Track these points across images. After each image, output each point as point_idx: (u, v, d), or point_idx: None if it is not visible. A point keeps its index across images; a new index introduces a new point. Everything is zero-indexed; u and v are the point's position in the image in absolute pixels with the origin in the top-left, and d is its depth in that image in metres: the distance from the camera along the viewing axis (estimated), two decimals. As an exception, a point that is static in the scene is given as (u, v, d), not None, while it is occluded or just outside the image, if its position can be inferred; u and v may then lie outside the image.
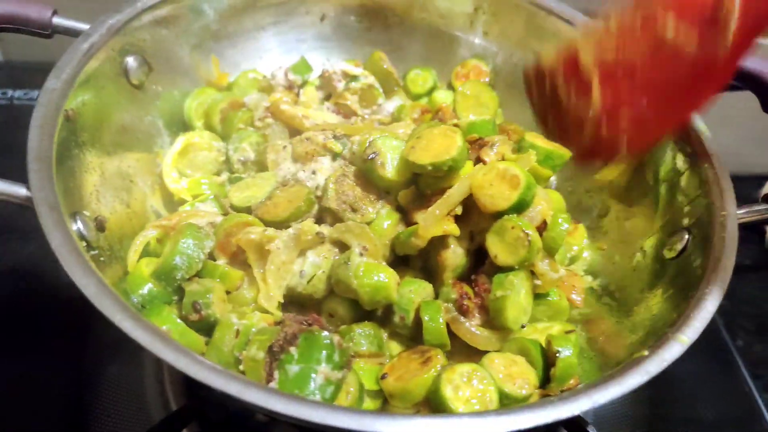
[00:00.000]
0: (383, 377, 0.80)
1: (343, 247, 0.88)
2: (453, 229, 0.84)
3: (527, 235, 0.80)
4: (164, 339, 0.62)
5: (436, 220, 0.83)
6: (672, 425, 1.08)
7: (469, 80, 1.18)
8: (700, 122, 0.96)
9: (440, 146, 0.84)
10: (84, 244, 0.75)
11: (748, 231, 1.41)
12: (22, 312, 1.08)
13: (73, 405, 0.98)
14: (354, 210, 0.89)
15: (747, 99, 0.98)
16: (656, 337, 0.74)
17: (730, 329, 1.25)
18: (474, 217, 0.87)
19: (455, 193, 0.84)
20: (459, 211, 0.85)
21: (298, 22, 1.22)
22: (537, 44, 1.16)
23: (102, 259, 0.80)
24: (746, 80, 1.02)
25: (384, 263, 0.85)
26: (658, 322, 0.80)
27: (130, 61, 0.98)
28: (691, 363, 1.13)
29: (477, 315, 0.85)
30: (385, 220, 0.89)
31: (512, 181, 0.82)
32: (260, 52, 1.20)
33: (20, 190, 0.72)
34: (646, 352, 0.70)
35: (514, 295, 0.81)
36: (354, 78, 1.13)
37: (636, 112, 0.80)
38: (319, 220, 0.92)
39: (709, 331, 1.14)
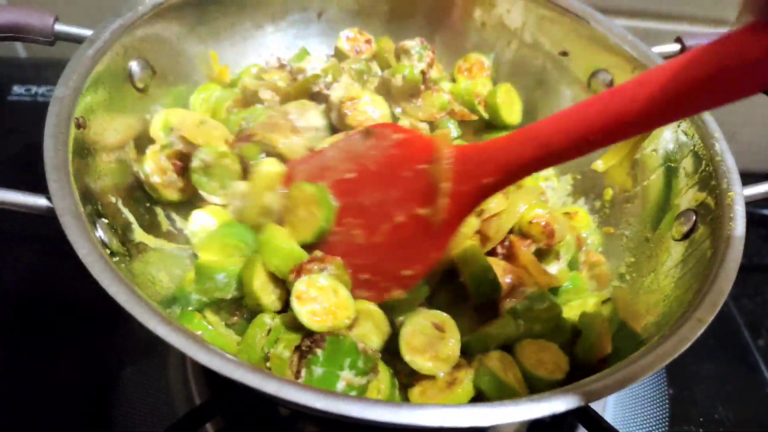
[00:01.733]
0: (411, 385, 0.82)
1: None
2: None
3: None
4: (198, 341, 0.63)
5: None
6: (692, 425, 1.09)
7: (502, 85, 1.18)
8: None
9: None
10: (107, 251, 0.75)
11: None
12: (47, 312, 1.10)
13: (98, 400, 1.00)
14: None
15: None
16: (672, 319, 0.76)
17: (753, 329, 1.26)
18: None
19: None
20: None
21: (296, 19, 1.22)
22: (534, 34, 1.18)
23: (123, 265, 0.80)
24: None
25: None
26: (673, 303, 0.82)
27: (134, 65, 0.98)
28: (711, 363, 1.18)
29: None
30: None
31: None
32: (260, 50, 1.20)
33: (41, 201, 0.73)
34: (664, 335, 0.71)
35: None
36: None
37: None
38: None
39: (730, 331, 1.18)
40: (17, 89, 1.48)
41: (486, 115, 1.15)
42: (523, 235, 0.96)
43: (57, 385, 1.01)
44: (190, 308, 0.84)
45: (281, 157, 0.97)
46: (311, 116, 0.96)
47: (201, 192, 0.97)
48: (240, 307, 0.86)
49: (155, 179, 0.96)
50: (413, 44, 1.14)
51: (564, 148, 0.66)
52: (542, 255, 0.98)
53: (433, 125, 1.10)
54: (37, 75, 1.50)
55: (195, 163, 0.96)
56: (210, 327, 0.80)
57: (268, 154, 0.97)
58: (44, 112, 0.81)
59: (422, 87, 1.08)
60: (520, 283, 0.88)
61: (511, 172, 0.72)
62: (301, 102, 1.00)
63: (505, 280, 0.88)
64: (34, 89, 1.48)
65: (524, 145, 0.70)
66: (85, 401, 1.00)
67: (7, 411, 0.98)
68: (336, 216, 0.86)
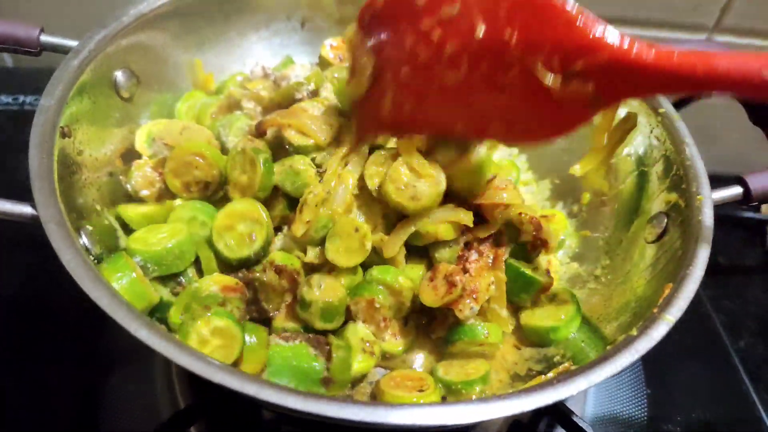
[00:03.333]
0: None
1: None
2: None
3: None
4: (178, 345, 0.64)
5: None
6: (669, 425, 1.11)
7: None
8: (670, 108, 1.00)
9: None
10: (91, 257, 0.77)
11: (751, 233, 1.46)
12: (34, 317, 1.11)
13: (85, 403, 1.01)
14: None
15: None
16: (643, 318, 0.78)
17: (732, 330, 1.28)
18: None
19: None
20: None
21: (279, 28, 1.24)
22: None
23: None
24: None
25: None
26: (644, 304, 0.84)
27: (119, 75, 1.00)
28: (689, 363, 1.19)
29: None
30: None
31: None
32: (244, 58, 1.22)
33: (26, 209, 0.74)
34: (635, 332, 0.74)
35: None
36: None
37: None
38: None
39: (708, 332, 1.19)
40: (4, 98, 1.49)
41: None
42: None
43: (43, 389, 1.02)
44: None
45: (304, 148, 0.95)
46: (329, 114, 0.97)
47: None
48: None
49: (144, 193, 0.97)
50: None
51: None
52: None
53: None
54: (24, 84, 1.51)
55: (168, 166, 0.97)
56: (134, 275, 0.80)
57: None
58: (31, 121, 0.82)
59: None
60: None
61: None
62: (319, 101, 1.01)
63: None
64: (21, 98, 1.49)
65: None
66: (71, 405, 1.01)
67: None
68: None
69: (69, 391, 1.02)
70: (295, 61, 1.20)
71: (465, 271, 0.88)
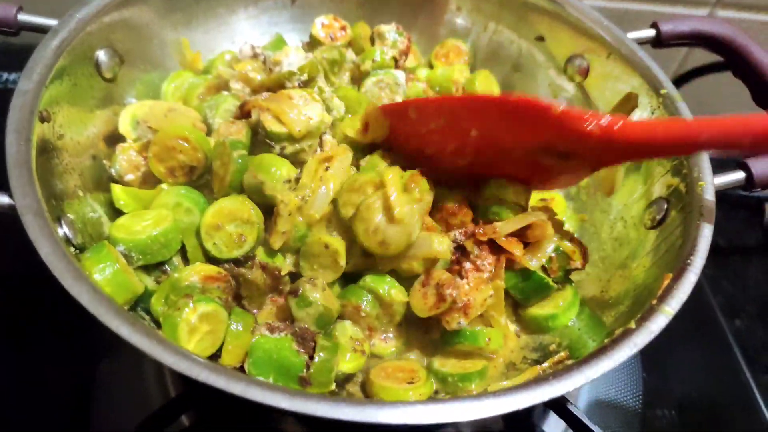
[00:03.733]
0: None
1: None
2: None
3: None
4: (162, 342, 0.62)
5: None
6: (665, 409, 1.10)
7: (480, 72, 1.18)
8: (672, 88, 0.97)
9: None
10: (71, 248, 0.75)
11: (751, 213, 1.44)
12: (22, 307, 1.09)
13: (75, 393, 1.00)
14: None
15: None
16: (642, 308, 0.76)
17: (730, 311, 1.26)
18: None
19: None
20: None
21: (269, 5, 1.20)
22: (510, 19, 1.17)
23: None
24: (715, 47, 1.04)
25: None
26: (643, 292, 0.82)
27: (101, 54, 0.96)
28: (685, 346, 1.18)
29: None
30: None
31: None
32: (234, 36, 1.18)
33: (2, 199, 0.71)
34: (633, 325, 0.72)
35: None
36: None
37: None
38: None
39: (705, 314, 1.17)
40: (-13, 76, 1.45)
41: None
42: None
43: (33, 378, 1.01)
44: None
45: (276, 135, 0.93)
46: (312, 108, 0.93)
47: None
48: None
49: (129, 177, 0.94)
50: (389, 28, 1.12)
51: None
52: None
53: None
54: (7, 62, 1.46)
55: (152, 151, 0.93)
56: (117, 266, 0.77)
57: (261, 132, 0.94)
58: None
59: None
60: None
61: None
62: (308, 92, 0.97)
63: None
64: (5, 76, 1.45)
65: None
66: (61, 395, 1.00)
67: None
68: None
69: (58, 382, 1.01)
70: (285, 41, 1.17)
71: (461, 276, 0.85)
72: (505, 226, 0.88)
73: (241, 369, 0.77)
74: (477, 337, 0.84)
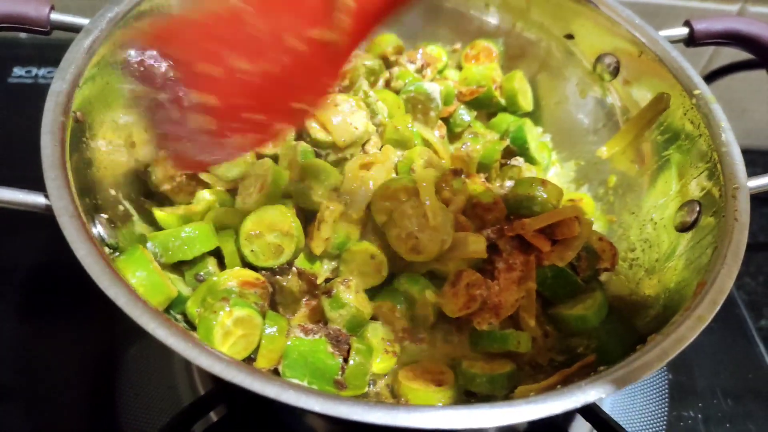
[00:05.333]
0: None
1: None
2: None
3: None
4: (197, 345, 0.63)
5: None
6: (690, 411, 1.10)
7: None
8: (706, 89, 0.96)
9: None
10: (106, 248, 0.76)
11: None
12: (53, 292, 1.11)
13: (104, 387, 1.01)
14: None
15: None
16: (674, 313, 0.76)
17: (754, 309, 1.25)
18: None
19: None
20: None
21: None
22: (539, 15, 1.15)
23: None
24: (750, 46, 1.02)
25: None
26: (674, 297, 0.81)
27: (132, 53, 0.97)
28: (711, 346, 1.17)
29: None
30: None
31: None
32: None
33: (39, 199, 0.73)
34: (665, 332, 0.71)
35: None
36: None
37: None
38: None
39: (730, 311, 1.16)
40: (18, 71, 1.47)
41: (503, 101, 1.14)
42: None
43: (62, 371, 1.02)
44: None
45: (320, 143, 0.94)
46: (357, 116, 0.94)
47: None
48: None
49: (165, 187, 0.95)
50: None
51: None
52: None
53: (449, 120, 1.11)
54: (37, 56, 1.48)
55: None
56: (152, 267, 0.78)
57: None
58: (45, 94, 0.80)
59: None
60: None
61: None
62: (355, 99, 0.98)
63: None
64: (34, 71, 1.46)
65: None
66: (90, 387, 1.01)
67: (12, 393, 1.00)
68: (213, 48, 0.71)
69: (87, 372, 1.03)
70: None
71: (492, 276, 0.84)
72: (534, 222, 0.88)
73: (275, 371, 0.78)
74: (507, 339, 0.84)
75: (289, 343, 0.78)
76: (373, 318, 0.88)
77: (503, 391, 0.83)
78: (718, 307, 0.72)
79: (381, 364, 0.84)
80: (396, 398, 0.84)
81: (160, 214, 0.91)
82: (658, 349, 0.68)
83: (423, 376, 0.84)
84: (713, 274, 0.76)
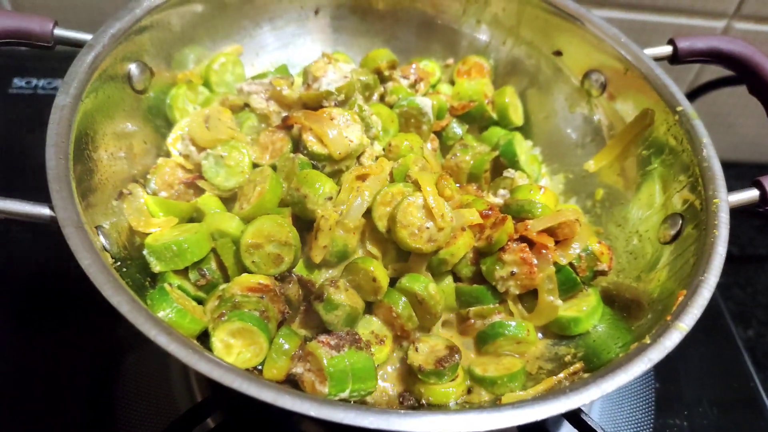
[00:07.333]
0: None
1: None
2: None
3: None
4: (197, 351, 0.65)
5: None
6: (676, 419, 1.12)
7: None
8: (688, 106, 0.99)
9: None
10: (109, 257, 0.78)
11: (763, 221, 1.45)
12: (51, 299, 1.13)
13: (102, 394, 1.03)
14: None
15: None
16: (656, 321, 0.79)
17: (742, 319, 1.28)
18: None
19: None
20: None
21: (293, 17, 1.23)
22: (528, 33, 1.19)
23: (124, 269, 0.83)
24: (731, 64, 1.06)
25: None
26: (657, 306, 0.84)
27: (133, 68, 0.99)
28: (697, 356, 1.20)
29: None
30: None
31: None
32: (257, 49, 1.21)
33: (44, 211, 0.75)
34: (647, 341, 0.74)
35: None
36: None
37: None
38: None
39: (717, 321, 1.18)
40: (18, 82, 1.49)
41: (494, 115, 1.18)
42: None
43: (60, 376, 1.04)
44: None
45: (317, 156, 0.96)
46: (352, 130, 0.98)
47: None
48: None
49: (162, 195, 0.98)
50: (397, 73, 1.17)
51: None
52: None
53: (441, 134, 1.15)
54: (37, 68, 1.50)
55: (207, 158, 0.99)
56: (177, 305, 0.82)
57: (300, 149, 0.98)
58: (44, 104, 0.82)
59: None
60: None
61: None
62: (350, 113, 1.01)
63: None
64: (34, 82, 1.48)
65: None
66: (87, 393, 1.03)
67: (11, 400, 1.02)
68: None
69: (84, 377, 1.05)
70: (290, 72, 1.18)
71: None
72: (537, 223, 0.94)
73: (284, 382, 0.81)
74: (518, 327, 0.90)
75: (325, 363, 0.78)
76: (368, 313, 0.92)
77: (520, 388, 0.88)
78: (697, 317, 0.75)
79: (376, 354, 0.87)
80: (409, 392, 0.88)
81: (150, 202, 0.93)
82: (640, 357, 0.71)
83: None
84: (693, 284, 0.79)
